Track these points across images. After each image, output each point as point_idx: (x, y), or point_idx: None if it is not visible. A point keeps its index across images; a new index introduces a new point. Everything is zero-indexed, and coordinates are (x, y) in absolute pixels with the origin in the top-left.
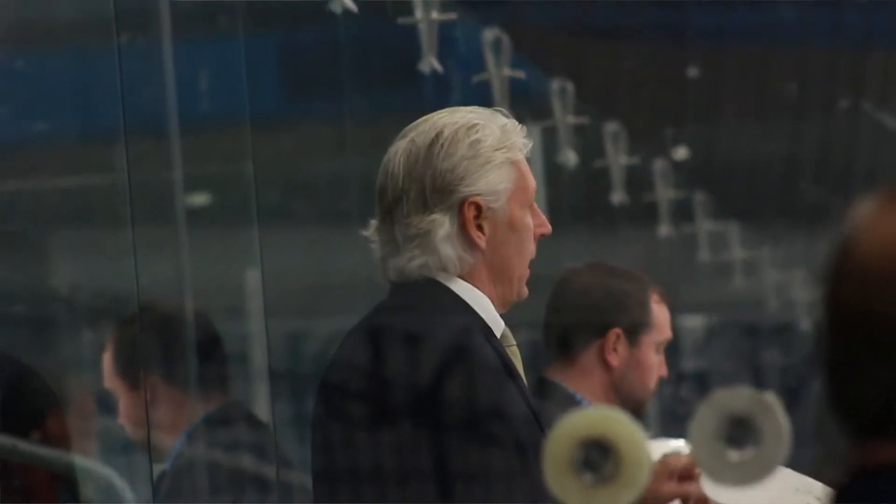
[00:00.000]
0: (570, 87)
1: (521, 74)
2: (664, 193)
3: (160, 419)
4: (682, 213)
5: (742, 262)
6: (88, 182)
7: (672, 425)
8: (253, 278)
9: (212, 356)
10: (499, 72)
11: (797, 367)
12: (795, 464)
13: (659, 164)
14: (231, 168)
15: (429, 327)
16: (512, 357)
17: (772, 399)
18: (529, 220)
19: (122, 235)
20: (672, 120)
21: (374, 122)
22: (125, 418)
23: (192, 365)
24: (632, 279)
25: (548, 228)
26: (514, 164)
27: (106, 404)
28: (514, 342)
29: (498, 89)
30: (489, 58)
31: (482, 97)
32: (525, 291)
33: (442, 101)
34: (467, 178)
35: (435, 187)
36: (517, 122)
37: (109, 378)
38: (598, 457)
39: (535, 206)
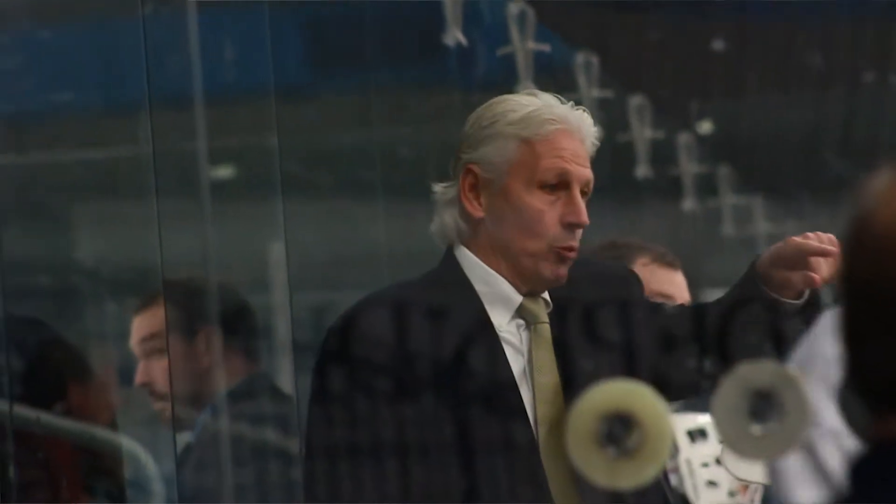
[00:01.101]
0: (595, 60)
1: (545, 48)
2: (689, 167)
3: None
4: (707, 187)
5: (766, 236)
6: (113, 154)
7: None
8: (277, 251)
9: (237, 329)
10: (523, 45)
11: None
12: None
13: (683, 138)
14: (255, 140)
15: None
16: (532, 334)
17: (795, 373)
18: (533, 200)
19: (146, 207)
20: (697, 93)
21: (398, 94)
22: (164, 383)
23: (217, 337)
24: (615, 248)
25: (576, 217)
26: (524, 141)
27: (129, 376)
28: (545, 319)
29: (522, 62)
30: (514, 31)
31: (507, 70)
32: (549, 271)
33: (466, 74)
34: (472, 145)
35: (456, 156)
36: (566, 112)
37: (162, 334)
38: (621, 430)
39: (575, 194)
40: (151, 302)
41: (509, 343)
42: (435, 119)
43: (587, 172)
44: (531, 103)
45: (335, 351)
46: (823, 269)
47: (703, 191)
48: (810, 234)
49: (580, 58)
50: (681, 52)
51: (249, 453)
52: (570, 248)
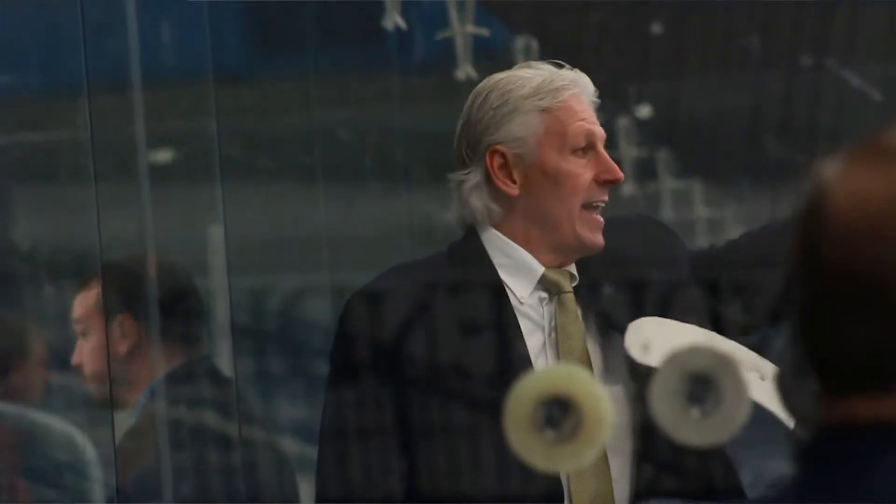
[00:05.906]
0: (535, 44)
1: (485, 31)
2: (628, 151)
3: (126, 373)
4: (646, 170)
5: (706, 220)
6: (51, 137)
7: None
8: (216, 234)
9: (175, 312)
10: (463, 28)
11: (760, 324)
12: (757, 420)
13: (623, 122)
14: (194, 124)
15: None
16: (557, 305)
17: (732, 357)
18: (570, 166)
19: (84, 191)
20: (636, 77)
21: (337, 78)
22: (89, 364)
23: (155, 320)
24: None
25: (612, 175)
26: (545, 111)
27: (67, 360)
28: (569, 289)
29: (462, 46)
30: (453, 14)
31: (446, 54)
32: (588, 237)
33: (405, 57)
34: (491, 127)
35: (469, 141)
36: (574, 76)
37: (88, 316)
38: (559, 414)
39: (602, 152)
40: (91, 281)
41: (527, 317)
42: (374, 102)
43: (602, 130)
44: (536, 75)
45: (338, 337)
46: None
47: (641, 175)
48: None
49: (519, 41)
50: (620, 35)
51: (188, 437)
52: (601, 204)
